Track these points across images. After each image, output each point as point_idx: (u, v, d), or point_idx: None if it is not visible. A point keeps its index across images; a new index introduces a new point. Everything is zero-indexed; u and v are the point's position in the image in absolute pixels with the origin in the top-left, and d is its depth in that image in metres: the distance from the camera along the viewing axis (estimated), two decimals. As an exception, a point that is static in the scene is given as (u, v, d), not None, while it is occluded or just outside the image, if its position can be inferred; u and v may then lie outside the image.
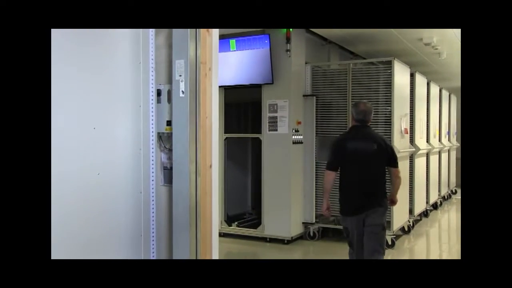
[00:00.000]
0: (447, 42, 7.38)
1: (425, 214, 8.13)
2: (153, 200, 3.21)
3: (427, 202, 8.13)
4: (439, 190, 9.29)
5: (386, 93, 6.09)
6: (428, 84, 8.13)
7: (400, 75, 6.31)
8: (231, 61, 6.33)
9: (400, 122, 6.20)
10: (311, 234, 6.48)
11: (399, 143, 6.12)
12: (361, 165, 3.97)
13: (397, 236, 6.32)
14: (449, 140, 10.29)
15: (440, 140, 9.25)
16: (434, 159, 8.59)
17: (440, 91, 9.33)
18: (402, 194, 6.28)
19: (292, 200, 6.30)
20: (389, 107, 6.06)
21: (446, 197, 9.87)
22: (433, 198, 8.69)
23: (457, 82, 12.24)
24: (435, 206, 8.96)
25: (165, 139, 3.21)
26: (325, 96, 6.52)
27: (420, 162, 7.55)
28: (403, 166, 6.39)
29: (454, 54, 8.36)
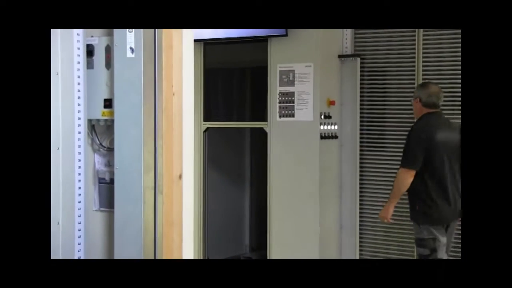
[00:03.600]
0: None
1: None
2: (79, 237, 3.22)
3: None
4: None
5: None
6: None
7: None
8: None
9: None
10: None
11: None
12: (452, 162, 5.17)
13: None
14: None
15: None
16: None
17: None
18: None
19: (321, 237, 6.30)
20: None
21: None
22: None
23: None
24: None
25: (101, 132, 3.23)
26: (378, 58, 6.51)
27: None
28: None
29: None
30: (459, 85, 6.08)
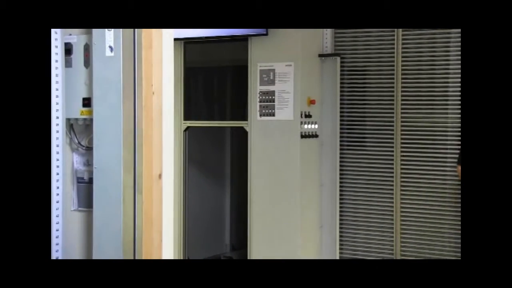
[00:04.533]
0: None
1: None
2: (57, 237, 3.20)
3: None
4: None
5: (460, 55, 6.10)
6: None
7: None
8: None
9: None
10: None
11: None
12: None
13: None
14: None
15: None
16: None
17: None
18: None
19: (301, 236, 6.30)
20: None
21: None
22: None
23: None
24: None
25: (80, 131, 3.21)
26: (357, 57, 6.52)
27: None
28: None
29: None
30: (438, 84, 6.13)
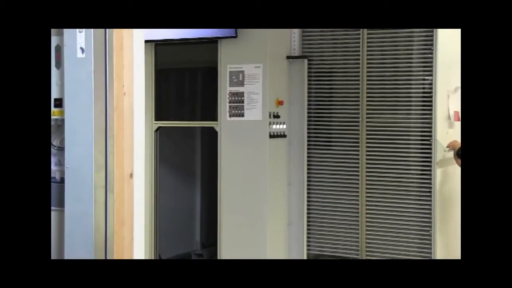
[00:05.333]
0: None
1: None
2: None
3: None
4: None
5: (423, 56, 6.14)
6: None
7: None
8: None
9: (447, 102, 6.28)
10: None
11: (445, 136, 6.20)
12: None
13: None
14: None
15: None
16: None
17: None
18: (450, 221, 6.38)
19: (269, 234, 6.31)
20: (429, 78, 6.13)
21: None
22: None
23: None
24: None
25: (52, 130, 3.18)
26: (324, 59, 6.55)
27: None
28: (450, 175, 6.49)
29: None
30: (401, 85, 6.16)
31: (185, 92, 7.28)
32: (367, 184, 6.29)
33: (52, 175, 3.19)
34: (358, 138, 6.33)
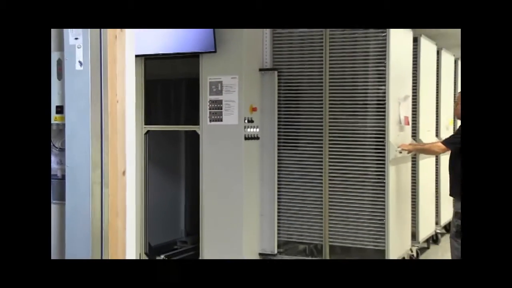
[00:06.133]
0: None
1: (434, 239, 8.33)
2: (36, 225, 3.15)
3: (437, 223, 8.33)
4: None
5: (378, 69, 6.17)
6: (438, 52, 8.29)
7: (399, 41, 6.42)
8: (155, 19, 6.27)
9: (398, 108, 6.32)
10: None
11: (396, 138, 6.24)
12: None
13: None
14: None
15: (437, 134, 9.43)
16: (446, 160, 8.78)
17: (456, 62, 9.43)
18: (402, 213, 6.42)
19: (244, 222, 6.31)
20: (382, 88, 6.16)
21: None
22: (446, 217, 8.89)
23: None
24: (448, 228, 9.18)
25: (54, 134, 3.16)
26: (292, 71, 6.56)
27: (426, 166, 7.72)
28: (402, 172, 6.54)
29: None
30: (359, 93, 6.20)
31: (171, 100, 7.27)
32: (329, 179, 6.32)
33: (54, 173, 3.16)
34: (321, 140, 6.36)
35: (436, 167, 8.38)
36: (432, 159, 8.13)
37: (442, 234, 8.63)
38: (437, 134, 8.38)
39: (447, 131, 8.82)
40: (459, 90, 10.06)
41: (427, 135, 7.61)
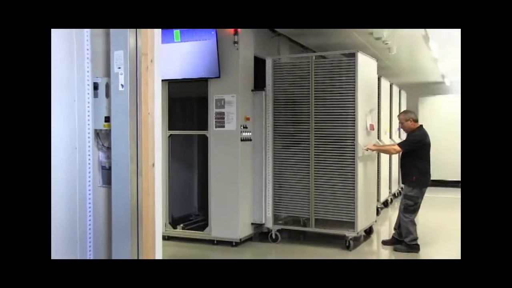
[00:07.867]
0: (397, 37, 7.62)
1: (386, 204, 8.56)
2: (89, 203, 3.15)
3: (378, 200, 8.38)
4: (390, 188, 9.60)
5: (350, 87, 6.12)
6: (379, 79, 8.35)
7: (366, 67, 6.41)
8: (176, 53, 6.26)
9: (365, 118, 6.31)
10: (273, 236, 6.52)
11: (363, 140, 6.24)
12: (429, 151, 5.98)
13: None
14: (399, 136, 10.64)
15: (390, 136, 9.55)
16: (385, 155, 8.86)
17: (391, 86, 9.65)
18: (368, 195, 6.42)
19: (240, 200, 6.31)
20: (353, 101, 6.10)
21: (396, 195, 10.22)
22: (384, 195, 8.96)
23: (407, 78, 12.67)
24: (385, 204, 9.24)
25: (103, 137, 3.15)
26: (278, 90, 6.53)
27: (385, 162, 7.82)
28: (368, 166, 6.55)
29: (404, 49, 8.66)
30: (340, 104, 6.17)
31: (187, 112, 7.27)
32: (315, 172, 6.29)
33: (103, 165, 3.14)
34: (308, 143, 6.33)
35: (378, 160, 8.43)
36: (387, 157, 8.32)
37: (381, 208, 8.71)
38: (378, 136, 8.43)
39: (385, 135, 8.96)
40: (399, 109, 10.22)
41: (384, 137, 7.86)
